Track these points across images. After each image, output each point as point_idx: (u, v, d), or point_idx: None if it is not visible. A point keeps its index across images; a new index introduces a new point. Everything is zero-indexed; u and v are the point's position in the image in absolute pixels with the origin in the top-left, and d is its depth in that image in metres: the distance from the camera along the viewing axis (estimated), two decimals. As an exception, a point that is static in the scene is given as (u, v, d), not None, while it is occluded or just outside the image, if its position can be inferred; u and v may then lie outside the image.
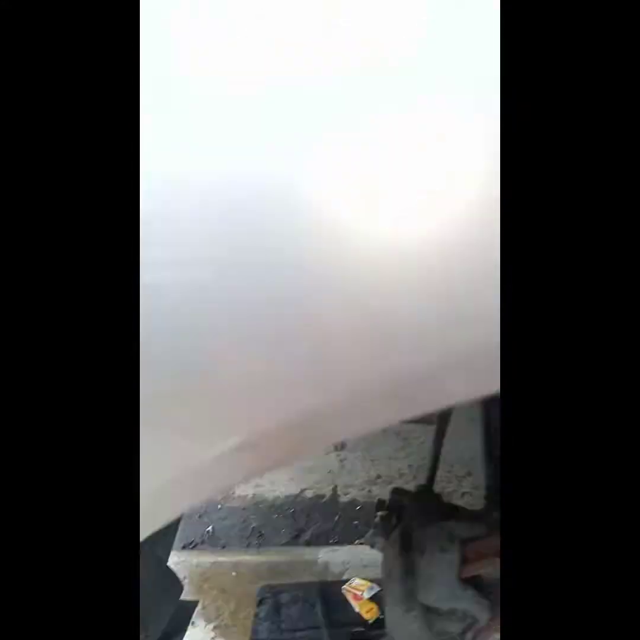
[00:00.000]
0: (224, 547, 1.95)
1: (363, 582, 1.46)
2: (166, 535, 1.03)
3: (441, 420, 1.05)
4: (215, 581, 1.74)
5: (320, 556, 1.71)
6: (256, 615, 1.52)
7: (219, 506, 2.08)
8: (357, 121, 0.32)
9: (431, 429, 1.09)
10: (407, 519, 0.98)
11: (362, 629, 1.37)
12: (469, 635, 0.86)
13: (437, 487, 1.11)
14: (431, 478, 1.07)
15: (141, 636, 0.85)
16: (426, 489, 1.07)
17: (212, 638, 1.53)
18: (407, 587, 0.88)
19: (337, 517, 1.97)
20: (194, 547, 1.93)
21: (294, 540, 1.92)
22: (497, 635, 0.86)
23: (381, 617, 1.38)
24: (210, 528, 1.99)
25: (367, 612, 1.39)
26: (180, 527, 1.30)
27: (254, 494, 2.10)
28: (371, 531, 1.07)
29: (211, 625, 1.56)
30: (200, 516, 2.02)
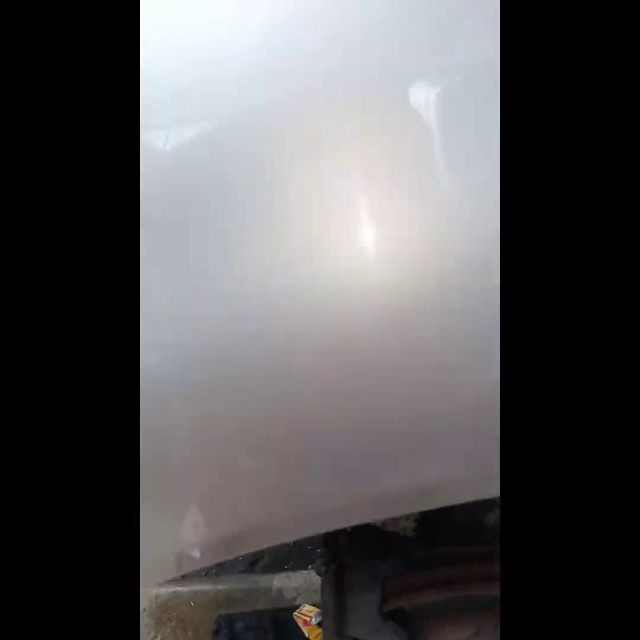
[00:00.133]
0: (183, 576, 2.02)
1: (312, 608, 1.56)
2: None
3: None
4: (175, 611, 1.81)
5: (274, 583, 1.81)
6: (213, 644, 1.60)
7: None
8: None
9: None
10: (342, 556, 1.09)
11: (312, 653, 1.47)
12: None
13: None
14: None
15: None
16: (363, 526, 1.18)
17: (171, 668, 1.61)
18: (340, 621, 0.99)
19: (291, 543, 2.06)
20: (153, 578, 1.98)
21: (251, 567, 2.00)
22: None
23: (329, 641, 1.48)
24: (169, 559, 2.05)
25: (316, 637, 1.49)
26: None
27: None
28: (318, 560, 1.18)
29: (170, 656, 1.64)
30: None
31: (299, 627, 1.54)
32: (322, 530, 0.69)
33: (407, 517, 1.08)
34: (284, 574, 1.90)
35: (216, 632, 1.62)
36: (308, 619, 1.52)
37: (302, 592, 1.73)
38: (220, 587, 1.89)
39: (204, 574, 2.02)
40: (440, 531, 1.08)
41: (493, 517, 1.04)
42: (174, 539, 0.51)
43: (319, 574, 1.21)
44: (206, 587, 1.90)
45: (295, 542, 2.09)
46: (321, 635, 1.54)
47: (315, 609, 1.54)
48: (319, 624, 1.50)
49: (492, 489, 0.46)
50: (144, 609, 1.76)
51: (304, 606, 1.58)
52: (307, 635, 1.51)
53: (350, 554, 1.06)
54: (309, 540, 2.09)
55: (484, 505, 1.00)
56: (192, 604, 1.81)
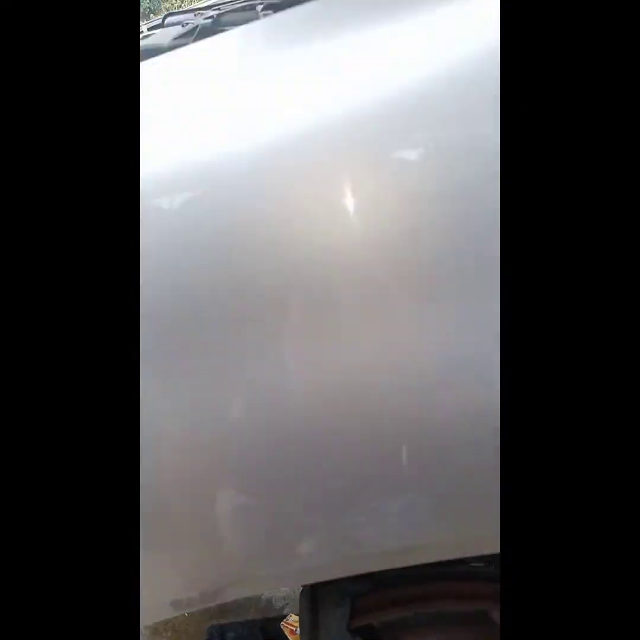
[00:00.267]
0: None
1: (298, 618, 1.64)
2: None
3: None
4: (170, 622, 1.89)
5: (263, 593, 1.88)
6: (205, 653, 1.68)
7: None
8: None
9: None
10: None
11: (298, 661, 1.54)
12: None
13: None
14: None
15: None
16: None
17: (166, 677, 1.68)
18: (314, 636, 1.06)
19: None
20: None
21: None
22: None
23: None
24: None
25: (302, 646, 1.56)
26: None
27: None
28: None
29: (165, 665, 1.71)
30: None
31: (286, 637, 1.62)
32: (307, 582, 0.74)
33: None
34: (274, 584, 1.98)
35: (208, 642, 1.70)
36: (294, 629, 1.60)
37: (290, 601, 1.80)
38: (214, 597, 1.97)
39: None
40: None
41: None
42: (167, 587, 0.57)
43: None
44: (200, 597, 1.98)
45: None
46: (306, 644, 1.61)
47: (300, 619, 1.62)
48: (304, 634, 1.58)
49: (478, 549, 0.51)
50: (140, 620, 1.84)
51: (290, 616, 1.65)
52: (293, 644, 1.58)
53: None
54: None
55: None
56: (186, 614, 1.89)
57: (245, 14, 0.80)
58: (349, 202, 0.46)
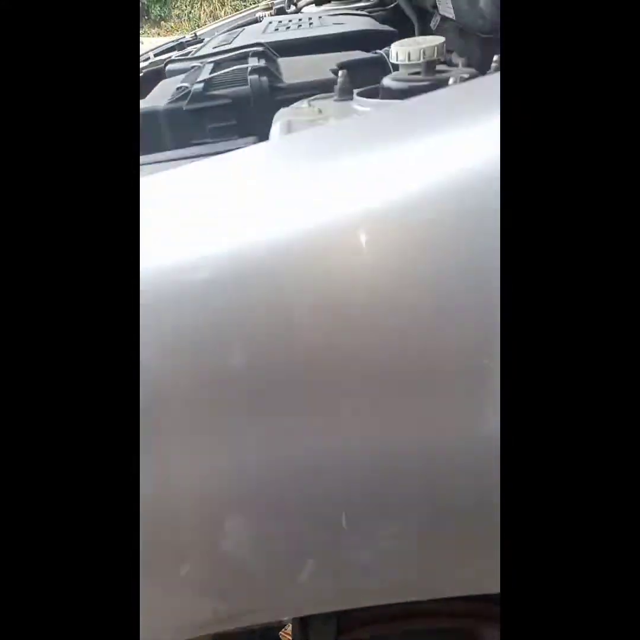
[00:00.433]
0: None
1: (296, 628, 1.69)
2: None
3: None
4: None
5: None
6: (207, 661, 1.74)
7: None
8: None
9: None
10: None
11: (296, 670, 1.59)
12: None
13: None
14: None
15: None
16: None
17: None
18: (304, 651, 1.12)
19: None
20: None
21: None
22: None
23: (311, 658, 1.60)
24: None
25: (299, 655, 1.61)
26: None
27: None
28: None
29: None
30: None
31: (284, 645, 1.67)
32: (309, 613, 0.76)
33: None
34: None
35: (210, 650, 1.75)
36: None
37: (290, 611, 1.85)
38: (217, 605, 2.01)
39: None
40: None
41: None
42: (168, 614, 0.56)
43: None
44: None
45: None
46: (303, 654, 1.66)
47: (298, 629, 1.67)
48: (301, 644, 1.63)
49: (479, 587, 0.50)
50: (146, 627, 1.89)
51: (288, 625, 1.71)
52: (291, 653, 1.63)
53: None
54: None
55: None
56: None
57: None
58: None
